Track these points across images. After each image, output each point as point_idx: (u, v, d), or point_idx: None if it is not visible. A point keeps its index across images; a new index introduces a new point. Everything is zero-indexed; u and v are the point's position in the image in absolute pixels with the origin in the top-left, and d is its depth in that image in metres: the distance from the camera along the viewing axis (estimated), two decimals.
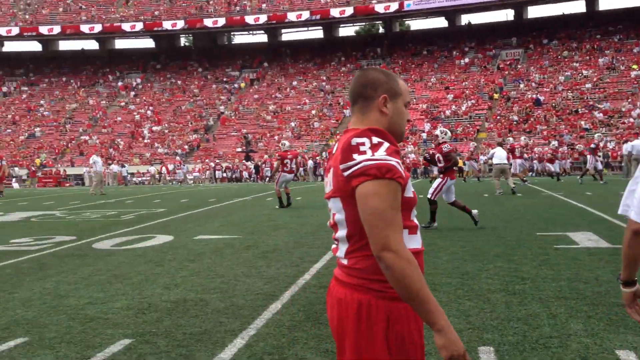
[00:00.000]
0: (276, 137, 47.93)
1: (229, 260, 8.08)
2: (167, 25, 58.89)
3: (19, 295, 6.35)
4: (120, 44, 68.89)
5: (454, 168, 11.02)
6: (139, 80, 60.69)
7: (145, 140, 50.60)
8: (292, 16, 56.37)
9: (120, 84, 60.61)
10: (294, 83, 56.24)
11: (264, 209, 16.14)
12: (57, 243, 10.30)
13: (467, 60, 53.75)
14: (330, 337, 4.53)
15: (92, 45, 66.55)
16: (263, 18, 57.20)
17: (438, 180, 10.92)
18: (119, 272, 7.41)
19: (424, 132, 44.03)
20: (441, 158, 10.85)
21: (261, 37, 66.91)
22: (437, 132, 11.57)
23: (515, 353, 4.16)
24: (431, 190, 10.87)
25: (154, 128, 52.07)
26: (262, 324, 5.01)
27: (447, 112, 46.26)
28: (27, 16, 62.06)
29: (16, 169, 43.89)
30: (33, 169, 44.91)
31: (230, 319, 5.19)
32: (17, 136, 53.10)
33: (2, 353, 4.48)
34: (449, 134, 11.70)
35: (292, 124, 49.26)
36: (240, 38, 70.73)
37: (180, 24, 58.72)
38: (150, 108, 55.31)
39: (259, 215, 14.14)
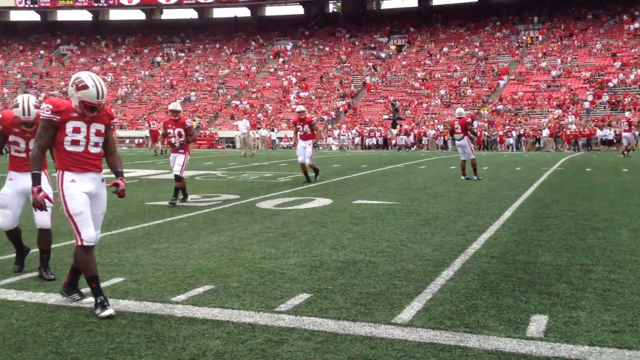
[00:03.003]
0: (424, 105, 47.34)
1: (392, 225, 8.11)
2: None
3: (198, 246, 6.74)
4: (270, 11, 70.72)
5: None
6: (289, 47, 61.99)
7: (293, 106, 51.80)
8: None
9: (270, 49, 62.27)
10: (445, 49, 55.06)
11: (419, 176, 16.04)
12: (224, 201, 10.82)
13: (637, 25, 50.06)
14: (512, 308, 4.44)
15: (244, 12, 68.84)
16: None
17: (182, 157, 10.81)
18: (286, 231, 7.66)
19: (586, 101, 41.85)
20: (182, 133, 10.81)
21: (411, 2, 66.08)
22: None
23: None
24: (178, 168, 10.72)
25: (301, 94, 53.14)
26: (437, 290, 5.00)
27: (614, 81, 43.48)
28: None
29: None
30: None
31: (403, 282, 5.23)
32: (174, 99, 56.18)
33: (194, 297, 4.79)
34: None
35: (442, 92, 48.42)
36: (388, 3, 70.27)
37: None
38: (298, 74, 56.42)
39: (414, 183, 14.07)
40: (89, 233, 4.54)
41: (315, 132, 14.27)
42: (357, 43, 60.48)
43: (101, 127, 4.70)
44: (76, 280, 4.77)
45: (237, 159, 25.32)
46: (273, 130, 45.26)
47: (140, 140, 46.02)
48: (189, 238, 7.25)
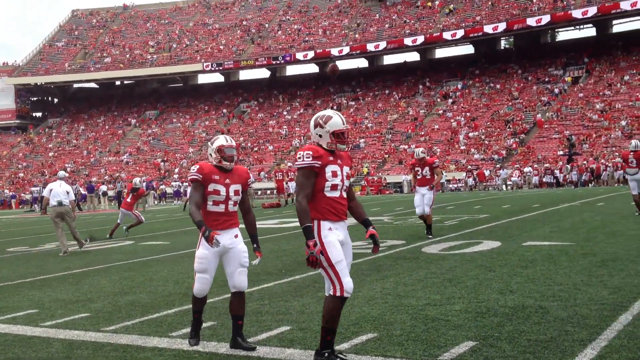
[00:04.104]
0: (603, 138, 44.69)
1: (565, 267, 7.69)
2: (487, 29, 58.51)
3: (362, 294, 6.80)
4: (439, 53, 70.66)
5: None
6: (458, 87, 61.51)
7: (462, 147, 51.06)
8: (625, 5, 51.83)
9: (439, 91, 62.17)
10: (626, 77, 51.73)
11: (596, 214, 15.10)
12: (390, 246, 10.86)
13: None
14: None
15: (414, 57, 69.35)
16: (592, 11, 53.48)
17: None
18: (451, 276, 7.53)
19: None
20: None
21: (589, 32, 63.00)
22: None
23: None
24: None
25: (470, 134, 52.29)
26: (613, 336, 4.68)
27: None
28: (356, 35, 67.12)
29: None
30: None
31: (576, 328, 4.93)
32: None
33: (357, 346, 4.84)
34: None
35: (623, 123, 45.44)
36: (564, 34, 67.57)
37: (501, 26, 57.92)
38: (467, 114, 55.66)
39: (590, 222, 13.27)
40: (349, 284, 4.35)
41: (436, 176, 12.36)
42: (530, 78, 58.59)
43: (348, 169, 4.54)
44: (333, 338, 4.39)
45: (404, 204, 25.35)
46: (442, 173, 44.87)
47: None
48: (354, 285, 7.32)
